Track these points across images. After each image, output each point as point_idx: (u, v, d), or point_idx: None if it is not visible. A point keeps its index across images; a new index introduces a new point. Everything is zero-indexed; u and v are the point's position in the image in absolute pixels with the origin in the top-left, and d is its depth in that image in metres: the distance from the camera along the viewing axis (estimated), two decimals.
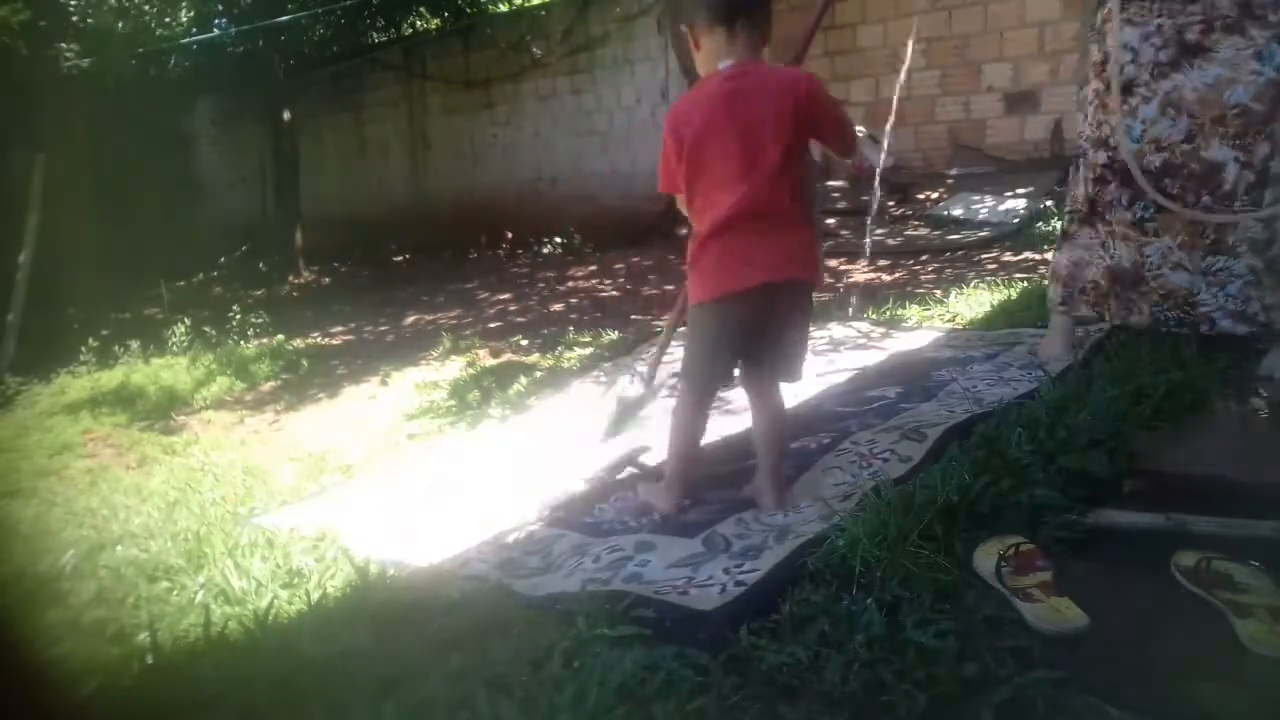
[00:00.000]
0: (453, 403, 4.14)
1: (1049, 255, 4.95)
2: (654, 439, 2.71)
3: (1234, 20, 2.36)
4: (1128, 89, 2.50)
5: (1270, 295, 2.45)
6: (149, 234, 11.98)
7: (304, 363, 5.89)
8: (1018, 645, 1.36)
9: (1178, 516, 1.64)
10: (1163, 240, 2.57)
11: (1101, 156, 2.62)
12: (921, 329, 3.72)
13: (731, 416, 2.91)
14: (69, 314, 8.65)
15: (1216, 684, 1.26)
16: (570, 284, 7.25)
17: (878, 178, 5.44)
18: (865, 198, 7.43)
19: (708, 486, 2.24)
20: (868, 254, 3.62)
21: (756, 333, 1.93)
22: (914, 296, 4.27)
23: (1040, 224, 5.60)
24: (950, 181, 7.11)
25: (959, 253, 4.95)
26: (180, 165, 14.33)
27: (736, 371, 2.09)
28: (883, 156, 6.10)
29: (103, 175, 11.24)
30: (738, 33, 1.86)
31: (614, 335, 4.60)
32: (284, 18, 10.27)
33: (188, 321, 7.40)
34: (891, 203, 7.32)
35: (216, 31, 11.29)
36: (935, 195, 7.13)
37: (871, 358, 3.34)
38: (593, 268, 7.78)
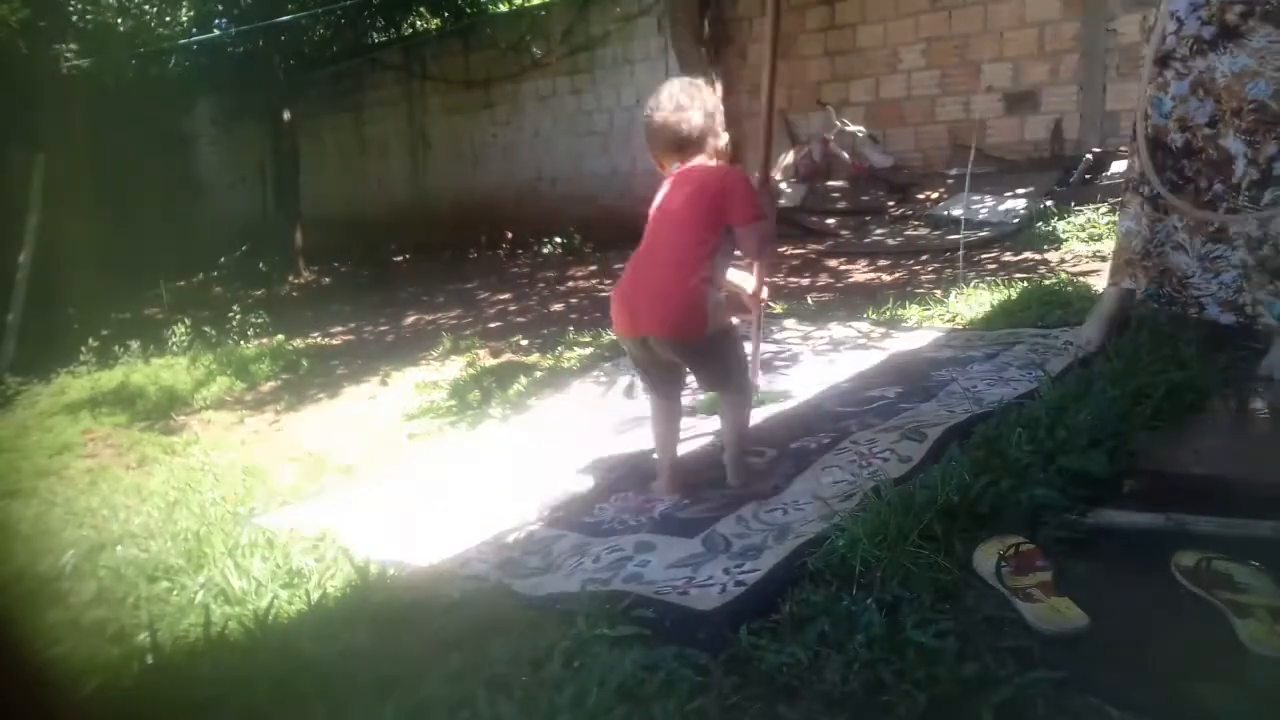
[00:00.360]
0: (453, 403, 4.14)
1: (1049, 255, 4.96)
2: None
3: (1274, 8, 2.30)
4: (1164, 61, 2.47)
5: (1259, 291, 2.44)
6: (149, 234, 11.99)
7: (304, 363, 5.89)
8: (1018, 645, 1.36)
9: (1178, 516, 1.64)
10: (1170, 219, 2.57)
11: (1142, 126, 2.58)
12: (921, 329, 3.72)
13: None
14: (69, 314, 8.66)
15: (1216, 684, 1.26)
16: (570, 284, 7.25)
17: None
18: (865, 198, 7.44)
19: (707, 486, 2.25)
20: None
21: (652, 364, 2.28)
22: (914, 296, 4.27)
23: (1040, 224, 5.60)
24: (950, 181, 7.11)
25: (959, 252, 4.95)
26: (180, 165, 14.35)
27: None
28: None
29: (103, 175, 11.25)
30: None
31: (614, 335, 4.59)
32: (284, 18, 10.28)
33: (188, 321, 7.40)
34: (891, 203, 7.32)
35: (216, 31, 11.29)
36: (935, 195, 7.13)
37: (871, 358, 3.34)
38: (593, 268, 7.78)
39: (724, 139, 2.31)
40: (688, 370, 2.33)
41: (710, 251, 2.16)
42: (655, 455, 2.39)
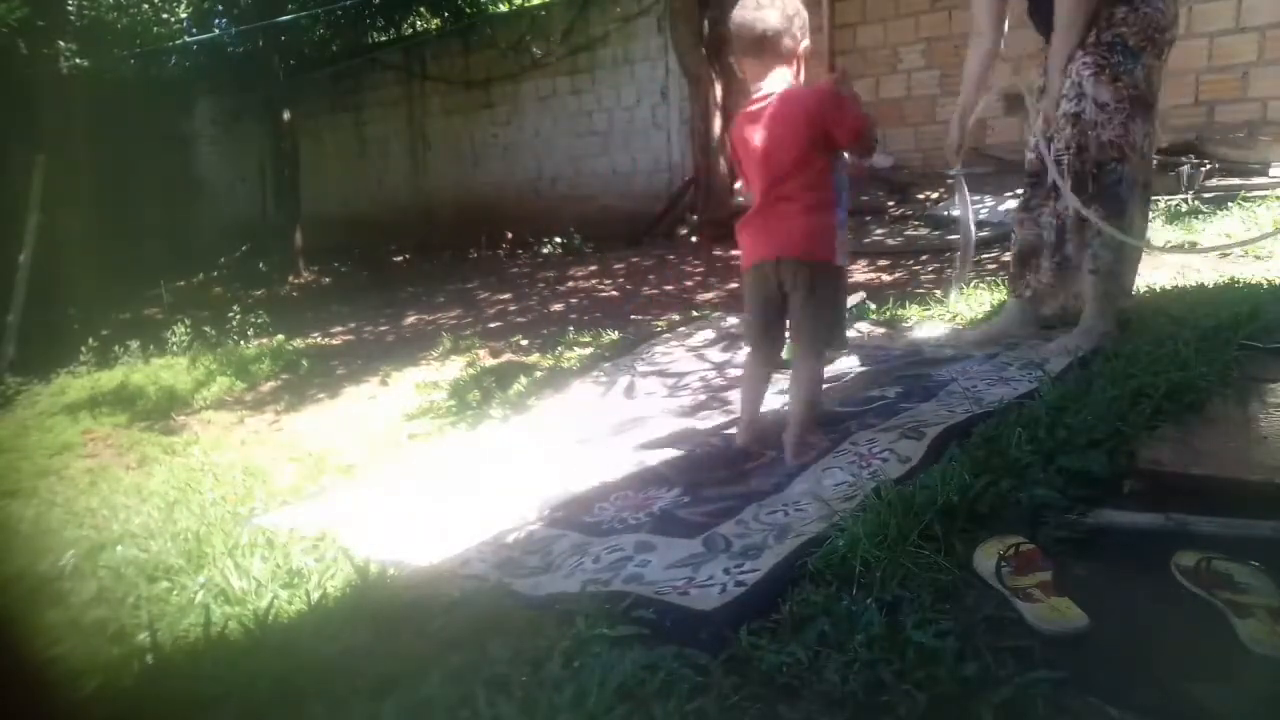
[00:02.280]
0: (453, 403, 4.14)
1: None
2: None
3: None
4: None
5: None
6: (149, 234, 12.02)
7: (304, 363, 5.89)
8: (1018, 645, 1.36)
9: (1178, 516, 1.64)
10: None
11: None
12: (922, 329, 3.72)
13: (728, 416, 2.91)
14: (69, 314, 8.67)
15: (1216, 684, 1.26)
16: (570, 284, 7.25)
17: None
18: (865, 198, 7.43)
19: (707, 486, 2.25)
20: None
21: (768, 302, 2.43)
22: (914, 296, 4.27)
23: None
24: (950, 181, 7.10)
25: (958, 253, 4.95)
26: (180, 165, 14.35)
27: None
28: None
29: (103, 175, 11.25)
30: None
31: (614, 335, 4.60)
32: (284, 18, 10.28)
33: (188, 321, 7.40)
34: (891, 203, 7.32)
35: (216, 31, 11.29)
36: (935, 195, 7.13)
37: (871, 357, 3.34)
38: (593, 268, 7.78)
39: (805, 43, 2.36)
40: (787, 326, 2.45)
41: (825, 170, 2.28)
42: (739, 411, 2.58)
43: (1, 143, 9.88)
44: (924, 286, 4.69)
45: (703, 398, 3.29)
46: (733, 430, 2.70)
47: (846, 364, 3.27)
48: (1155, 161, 5.83)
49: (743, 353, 3.76)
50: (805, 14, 2.38)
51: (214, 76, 12.08)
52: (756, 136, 2.34)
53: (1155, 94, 2.91)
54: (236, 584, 2.05)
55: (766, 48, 2.30)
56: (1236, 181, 5.50)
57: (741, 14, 2.30)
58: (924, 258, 5.71)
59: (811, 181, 2.29)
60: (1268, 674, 1.27)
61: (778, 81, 2.35)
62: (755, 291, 2.44)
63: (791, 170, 2.29)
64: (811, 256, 2.32)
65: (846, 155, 2.36)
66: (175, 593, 2.15)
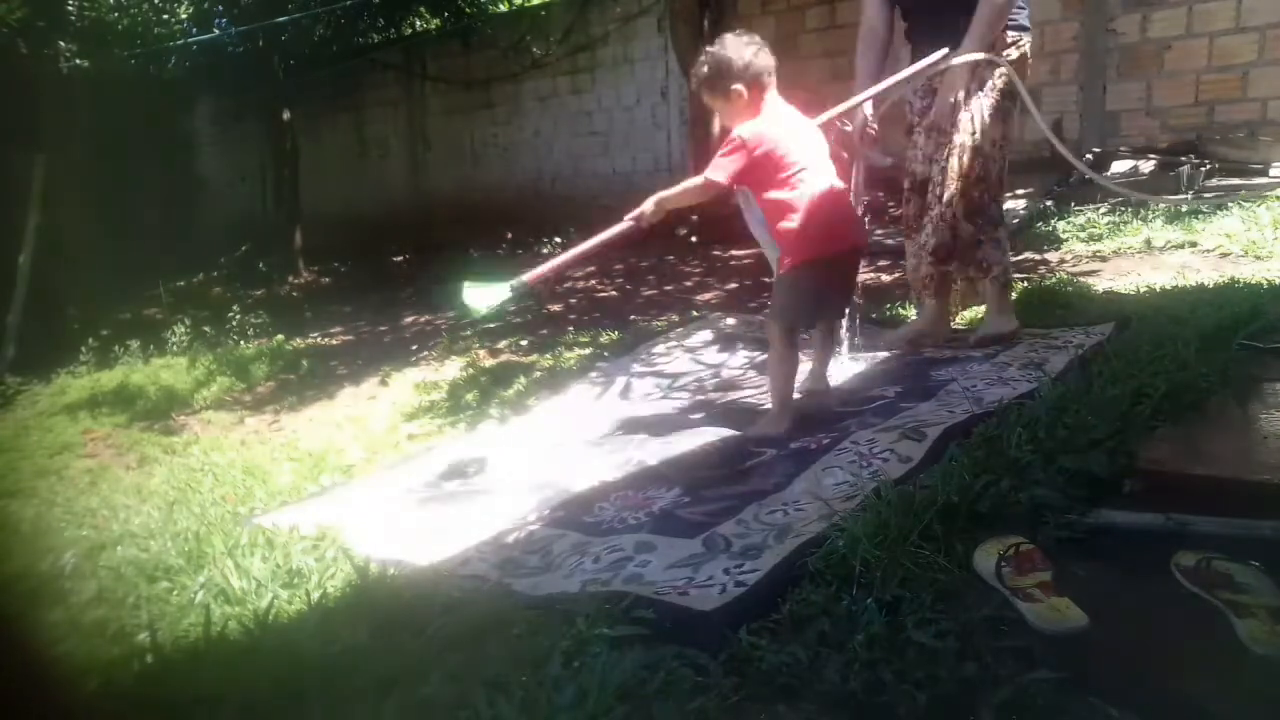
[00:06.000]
0: (452, 403, 4.14)
1: (1048, 255, 4.96)
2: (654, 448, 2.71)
3: None
4: None
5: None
6: (149, 234, 11.99)
7: (304, 363, 5.89)
8: (1018, 645, 1.36)
9: (1178, 516, 1.64)
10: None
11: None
12: (903, 325, 3.71)
13: (728, 416, 2.91)
14: (69, 314, 8.67)
15: (1216, 684, 1.26)
16: (569, 284, 7.25)
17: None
18: (865, 198, 7.42)
19: (707, 485, 2.25)
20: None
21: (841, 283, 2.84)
22: (912, 297, 4.26)
23: (1040, 224, 5.60)
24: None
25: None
26: (180, 165, 14.32)
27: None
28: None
29: (103, 175, 11.24)
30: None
31: (613, 335, 4.60)
32: (284, 18, 10.27)
33: (187, 321, 7.40)
34: (892, 203, 7.31)
35: (216, 31, 11.28)
36: None
37: (871, 358, 3.34)
38: (592, 268, 7.77)
39: (735, 87, 2.60)
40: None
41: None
42: (771, 400, 2.71)
43: (1, 143, 9.87)
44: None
45: (700, 398, 3.29)
46: (733, 430, 2.70)
47: (846, 365, 3.27)
48: (1156, 161, 5.87)
49: (739, 354, 3.77)
50: (744, 60, 2.60)
51: (214, 76, 12.04)
52: (808, 132, 2.71)
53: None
54: (236, 584, 2.05)
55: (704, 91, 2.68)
56: (1237, 181, 5.49)
57: (759, 51, 2.65)
58: None
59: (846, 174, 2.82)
60: (1268, 674, 1.27)
61: (730, 118, 2.67)
62: (820, 278, 2.64)
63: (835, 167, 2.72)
64: (865, 244, 2.93)
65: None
66: (175, 593, 2.15)
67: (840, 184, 2.69)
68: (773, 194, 2.59)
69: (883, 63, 3.24)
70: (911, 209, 3.36)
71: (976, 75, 2.99)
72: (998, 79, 2.98)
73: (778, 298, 2.72)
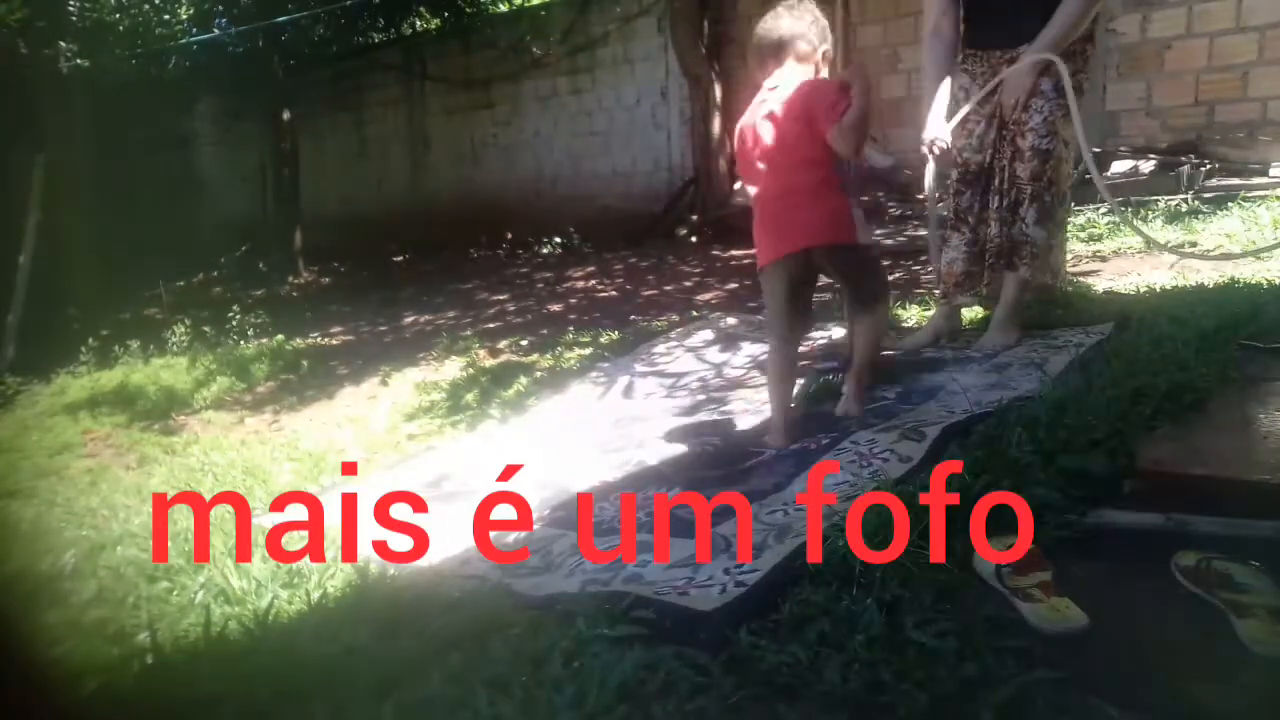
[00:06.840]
0: (452, 403, 4.14)
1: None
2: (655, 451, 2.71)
3: None
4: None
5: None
6: (149, 234, 11.99)
7: (304, 363, 5.89)
8: (1018, 645, 1.36)
9: (1178, 516, 1.64)
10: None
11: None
12: (921, 328, 3.71)
13: (727, 416, 2.91)
14: (69, 314, 8.66)
15: (1216, 684, 1.26)
16: (569, 284, 7.24)
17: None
18: (864, 198, 7.43)
19: (707, 485, 2.24)
20: None
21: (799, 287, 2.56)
22: (914, 297, 4.27)
23: None
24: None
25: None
26: (180, 165, 14.34)
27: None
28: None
29: (103, 175, 11.24)
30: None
31: (613, 335, 4.60)
32: (284, 18, 10.27)
33: (187, 321, 7.40)
34: (891, 203, 7.32)
35: (216, 31, 11.28)
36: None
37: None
38: (592, 268, 7.78)
39: (824, 48, 2.50)
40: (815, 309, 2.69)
41: (829, 157, 2.36)
42: (770, 408, 2.57)
43: (1, 143, 9.87)
44: (923, 286, 4.69)
45: (701, 398, 3.29)
46: (731, 431, 2.70)
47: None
48: (1156, 161, 5.87)
49: (740, 353, 3.77)
50: (824, 21, 2.50)
51: (214, 76, 12.04)
52: (764, 127, 2.44)
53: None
54: (236, 584, 2.05)
55: (785, 51, 2.46)
56: (1236, 181, 5.50)
57: (762, 24, 2.49)
58: (923, 258, 5.70)
59: (817, 169, 2.39)
60: (1268, 674, 1.27)
61: (793, 79, 2.45)
62: (779, 284, 2.51)
63: (799, 160, 2.40)
64: (836, 240, 2.45)
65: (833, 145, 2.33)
66: (175, 593, 2.15)
67: (795, 180, 2.46)
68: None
69: (951, 63, 3.17)
70: (964, 201, 3.22)
71: (1050, 73, 2.87)
72: (1068, 78, 2.82)
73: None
